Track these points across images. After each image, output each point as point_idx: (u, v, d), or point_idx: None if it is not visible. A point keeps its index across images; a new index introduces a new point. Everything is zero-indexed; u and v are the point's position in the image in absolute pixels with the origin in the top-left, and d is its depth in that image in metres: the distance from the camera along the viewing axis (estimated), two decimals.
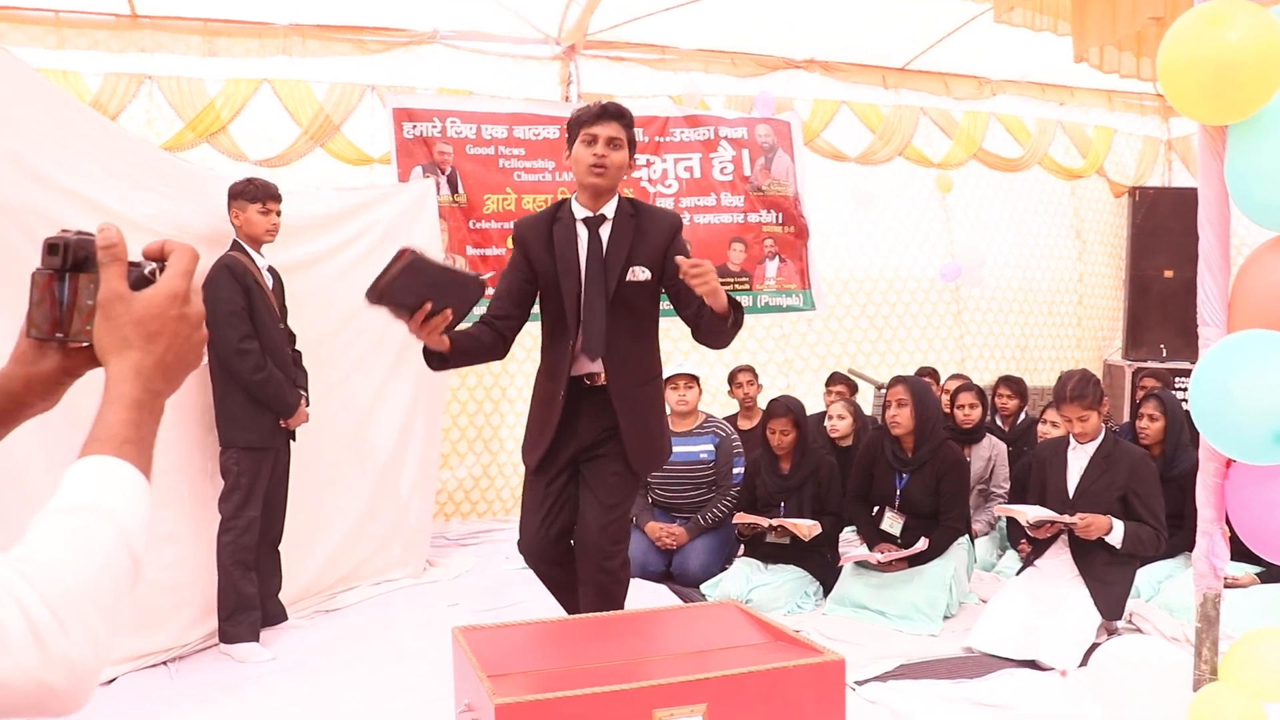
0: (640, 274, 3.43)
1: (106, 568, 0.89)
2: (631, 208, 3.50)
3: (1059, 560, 4.64)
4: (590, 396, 3.47)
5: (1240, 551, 2.88)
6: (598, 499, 3.46)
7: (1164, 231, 8.45)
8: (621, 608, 3.40)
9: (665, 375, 5.77)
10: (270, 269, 4.55)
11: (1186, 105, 2.58)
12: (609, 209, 3.45)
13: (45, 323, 1.06)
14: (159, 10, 6.24)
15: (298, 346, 4.70)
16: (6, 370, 1.11)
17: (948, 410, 6.24)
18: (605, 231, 3.44)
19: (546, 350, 3.55)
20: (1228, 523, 2.75)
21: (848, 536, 5.53)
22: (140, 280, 1.05)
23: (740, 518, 5.19)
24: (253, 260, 4.44)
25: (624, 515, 3.52)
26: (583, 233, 3.45)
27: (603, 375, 3.45)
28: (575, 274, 3.42)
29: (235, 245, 4.44)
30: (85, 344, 1.05)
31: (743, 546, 5.35)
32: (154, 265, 1.06)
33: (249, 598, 4.34)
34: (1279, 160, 2.47)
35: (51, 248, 1.04)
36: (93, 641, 0.85)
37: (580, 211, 3.45)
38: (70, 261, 1.04)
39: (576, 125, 3.39)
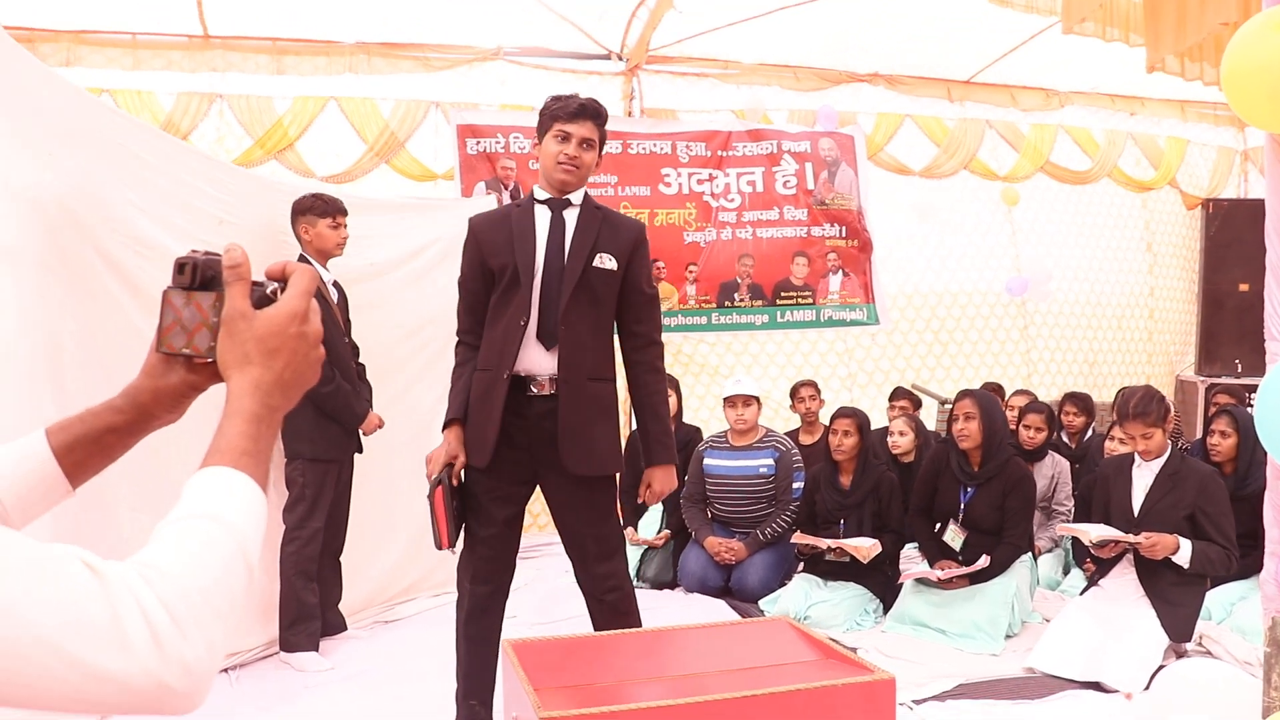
0: (607, 261, 3.33)
1: (224, 575, 0.92)
2: (601, 212, 3.42)
3: (1125, 580, 4.53)
4: (537, 402, 3.29)
5: None
6: (582, 524, 3.39)
7: (1239, 244, 8.25)
8: (636, 619, 3.37)
9: (725, 395, 5.79)
10: (335, 283, 4.62)
11: (1251, 113, 2.53)
12: (575, 196, 3.36)
13: (173, 338, 1.11)
14: (230, 30, 6.41)
15: (361, 359, 4.76)
16: (136, 383, 1.17)
17: (1013, 427, 6.14)
18: (571, 216, 3.35)
19: (490, 338, 3.33)
20: None
21: (909, 553, 5.46)
22: (262, 299, 1.10)
23: (799, 538, 5.15)
24: (319, 274, 4.51)
25: (614, 530, 3.45)
26: (543, 214, 3.34)
27: (548, 384, 3.27)
28: (532, 253, 3.30)
29: (301, 259, 4.52)
30: (210, 359, 1.09)
31: (802, 563, 5.31)
32: (275, 285, 1.12)
33: (310, 607, 4.40)
34: None
35: (180, 267, 1.10)
36: (209, 645, 0.88)
37: (541, 194, 3.36)
38: (198, 280, 1.09)
39: (550, 118, 3.26)
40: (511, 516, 3.46)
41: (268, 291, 1.11)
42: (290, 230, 4.54)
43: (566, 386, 3.25)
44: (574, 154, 3.24)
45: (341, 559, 4.76)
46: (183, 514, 0.95)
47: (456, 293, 3.50)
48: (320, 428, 4.40)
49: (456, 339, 3.48)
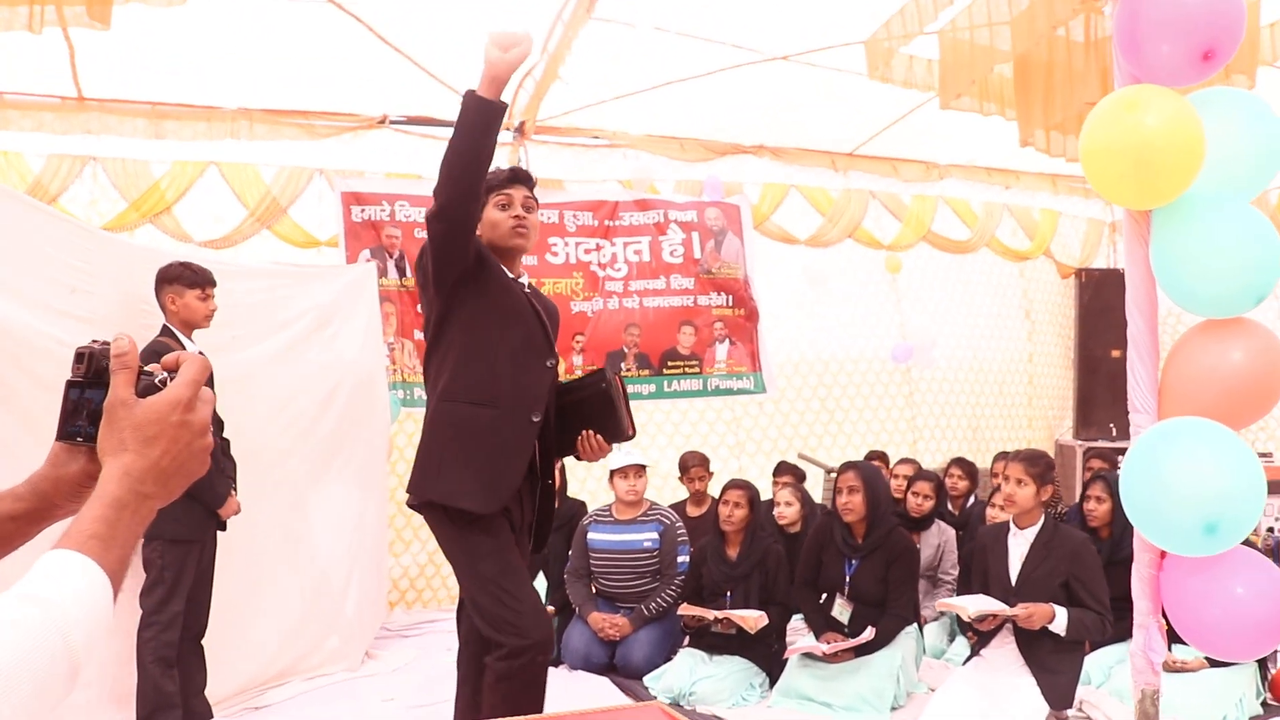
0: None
1: (28, 655, 0.87)
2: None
3: (1005, 650, 4.56)
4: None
5: None
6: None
7: (1111, 311, 8.52)
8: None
9: (614, 466, 5.72)
10: (200, 355, 4.44)
11: (1109, 190, 2.58)
12: (525, 279, 3.35)
13: (68, 426, 1.14)
14: (106, 93, 6.21)
15: (225, 434, 4.58)
16: (40, 471, 1.18)
17: (899, 495, 6.18)
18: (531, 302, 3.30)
19: (493, 366, 3.14)
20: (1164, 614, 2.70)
21: (796, 625, 5.42)
22: (149, 388, 1.10)
23: (685, 609, 5.08)
24: (183, 346, 4.34)
25: None
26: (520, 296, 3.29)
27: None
28: (528, 325, 3.26)
29: (165, 330, 4.34)
30: (92, 445, 1.11)
31: (687, 637, 5.23)
32: (165, 375, 1.13)
33: (170, 696, 4.16)
34: (1202, 245, 2.47)
35: (79, 357, 1.13)
36: None
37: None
38: (93, 369, 1.12)
39: (486, 190, 3.19)
40: None
41: (156, 380, 1.11)
42: (152, 299, 4.36)
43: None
44: (521, 215, 3.23)
45: (207, 643, 4.53)
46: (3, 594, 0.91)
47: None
48: (181, 507, 4.12)
49: None
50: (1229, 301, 2.46)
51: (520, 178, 3.30)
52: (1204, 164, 2.42)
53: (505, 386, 3.15)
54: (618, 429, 3.27)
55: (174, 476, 1.09)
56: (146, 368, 1.12)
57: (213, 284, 4.42)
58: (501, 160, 7.15)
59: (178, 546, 4.21)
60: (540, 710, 3.10)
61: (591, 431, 3.27)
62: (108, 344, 1.12)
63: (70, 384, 1.13)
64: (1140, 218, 2.60)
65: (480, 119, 2.95)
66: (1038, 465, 4.60)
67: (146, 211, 6.43)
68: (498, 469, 3.12)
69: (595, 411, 3.28)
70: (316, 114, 6.72)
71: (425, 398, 3.34)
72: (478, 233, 3.17)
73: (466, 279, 3.14)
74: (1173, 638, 3.22)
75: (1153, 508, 2.46)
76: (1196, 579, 2.50)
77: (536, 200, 3.34)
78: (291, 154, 6.80)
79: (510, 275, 3.27)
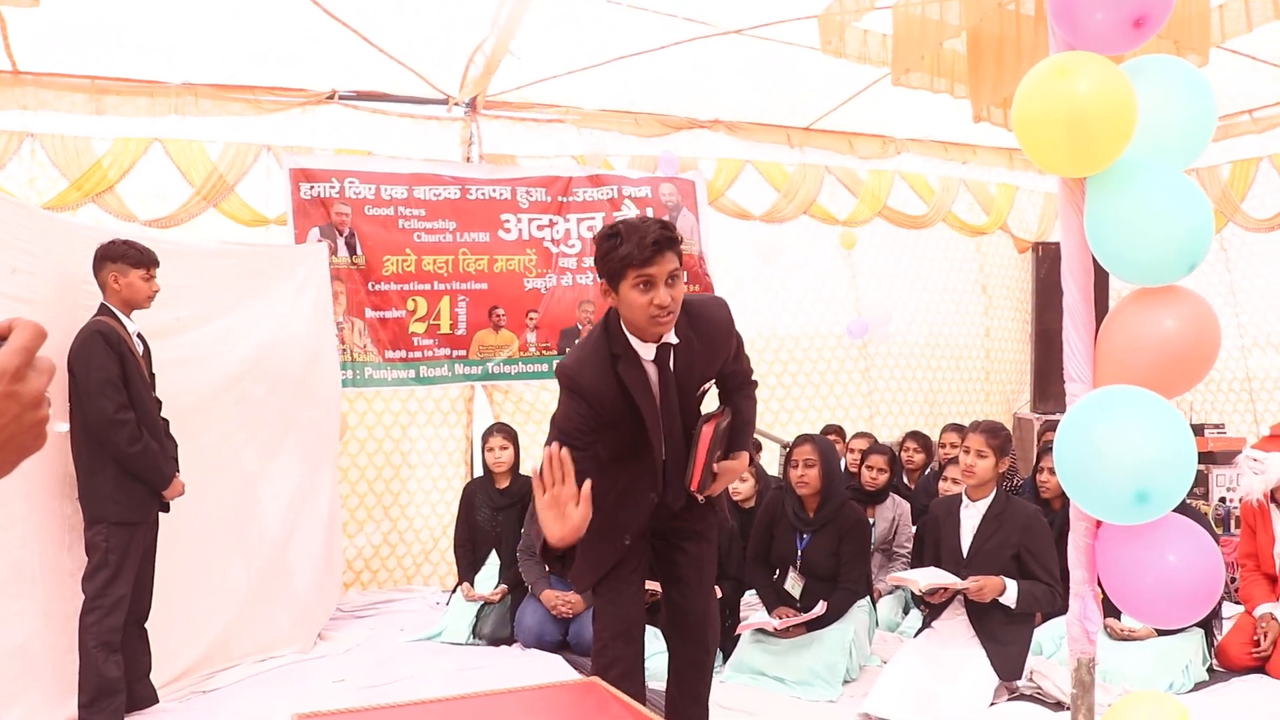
0: (709, 384, 3.25)
1: None
2: (684, 315, 3.05)
3: (956, 621, 4.58)
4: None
5: None
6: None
7: None
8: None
9: None
10: (140, 335, 4.37)
11: (1043, 157, 2.56)
12: (671, 335, 3.03)
13: None
14: (43, 66, 6.06)
15: (164, 414, 4.50)
16: None
17: (854, 470, 6.19)
18: (673, 361, 3.08)
19: (606, 501, 2.94)
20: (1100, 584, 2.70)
21: (749, 600, 5.42)
22: None
23: None
24: (124, 326, 4.26)
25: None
26: (652, 372, 3.07)
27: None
28: (657, 419, 3.10)
29: (104, 309, 4.26)
30: None
31: None
32: None
33: (113, 681, 4.10)
34: (1135, 212, 2.45)
35: None
36: None
37: (644, 350, 3.03)
38: None
39: (623, 265, 2.86)
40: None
41: None
42: (93, 278, 4.28)
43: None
44: (664, 301, 2.88)
45: (151, 626, 4.47)
46: None
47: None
48: (123, 489, 4.13)
49: None
50: (1162, 269, 2.45)
51: (664, 243, 2.88)
52: (1137, 131, 2.40)
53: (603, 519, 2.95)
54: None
55: (3, 450, 1.01)
56: None
57: (156, 264, 4.36)
58: (452, 138, 7.13)
59: (122, 529, 4.15)
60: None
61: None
62: None
63: None
64: (1075, 186, 2.59)
65: None
66: (998, 437, 4.62)
67: (88, 190, 6.30)
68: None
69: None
70: (263, 89, 6.60)
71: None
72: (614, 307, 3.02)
73: None
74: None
75: (1086, 476, 2.45)
76: (1130, 547, 2.50)
77: (682, 266, 2.98)
78: (238, 130, 6.68)
79: (640, 364, 3.06)
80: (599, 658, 3.25)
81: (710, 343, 3.13)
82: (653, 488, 3.19)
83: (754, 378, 3.47)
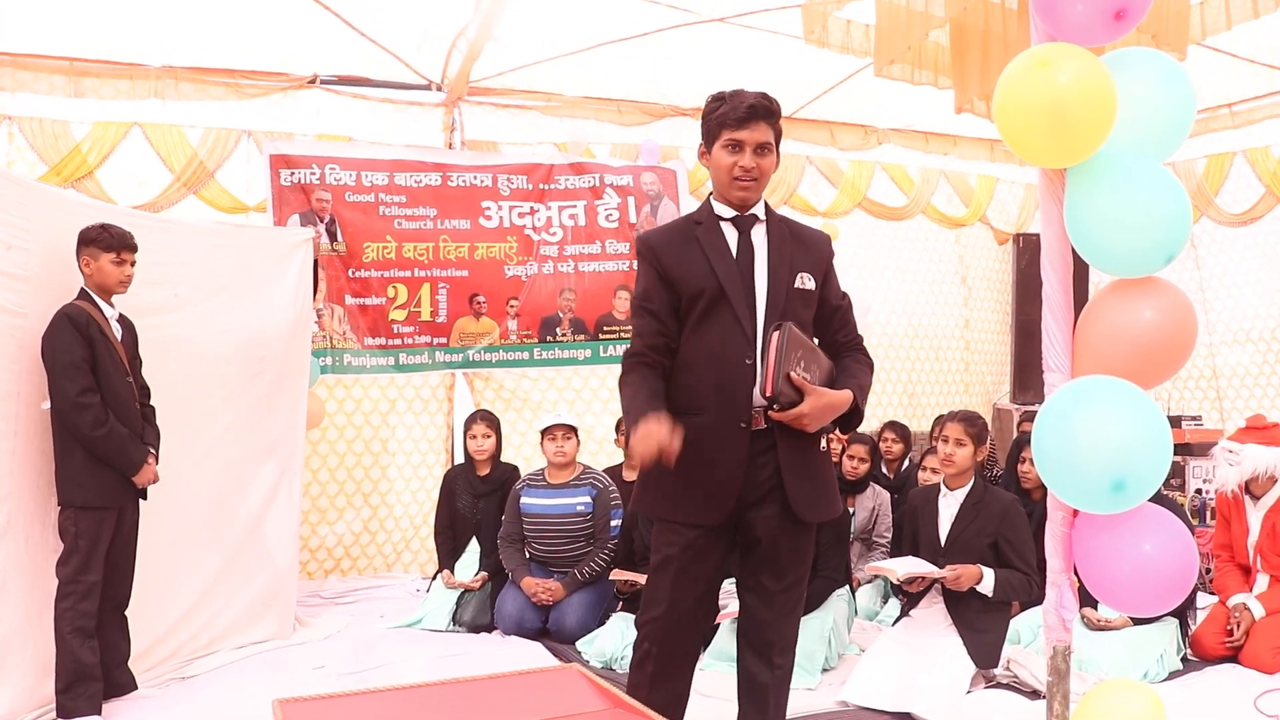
0: (807, 281, 3.03)
1: None
2: (784, 221, 3.11)
3: (933, 610, 4.61)
4: (758, 439, 2.96)
5: None
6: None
7: None
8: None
9: (543, 426, 5.70)
10: (121, 318, 4.34)
11: (1023, 148, 2.57)
12: (759, 209, 3.03)
13: None
14: (20, 47, 6.01)
15: (152, 401, 4.48)
16: None
17: (835, 460, 6.21)
18: (759, 233, 3.01)
19: (698, 377, 2.96)
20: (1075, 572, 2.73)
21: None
22: None
23: (617, 574, 5.08)
24: (100, 310, 4.23)
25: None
26: (731, 234, 3.01)
27: (761, 418, 2.93)
28: (737, 280, 2.95)
29: (82, 294, 4.23)
30: None
31: (620, 602, 5.23)
32: None
33: (89, 668, 4.08)
34: (1113, 204, 2.47)
35: None
36: None
37: (724, 210, 3.01)
38: None
39: (718, 125, 2.93)
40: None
41: None
42: None
43: (787, 434, 2.95)
44: (750, 165, 2.91)
45: (131, 613, 4.45)
46: None
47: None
48: (92, 473, 4.10)
49: (633, 357, 3.03)
50: (1140, 260, 2.47)
51: (760, 111, 2.92)
52: (1117, 123, 2.42)
53: (709, 396, 2.94)
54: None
55: None
56: None
57: (130, 249, 4.29)
58: (434, 124, 7.11)
59: (89, 514, 4.11)
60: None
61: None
62: None
63: None
64: (1055, 177, 2.61)
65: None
66: (976, 425, 4.66)
67: (68, 175, 6.26)
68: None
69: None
70: (244, 73, 6.57)
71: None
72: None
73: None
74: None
75: (1063, 466, 2.48)
76: (1106, 536, 2.53)
77: (777, 137, 2.98)
78: (218, 115, 6.64)
79: (721, 228, 3.00)
80: (635, 649, 3.19)
81: (805, 244, 3.08)
82: (747, 353, 2.92)
83: (862, 343, 3.32)
